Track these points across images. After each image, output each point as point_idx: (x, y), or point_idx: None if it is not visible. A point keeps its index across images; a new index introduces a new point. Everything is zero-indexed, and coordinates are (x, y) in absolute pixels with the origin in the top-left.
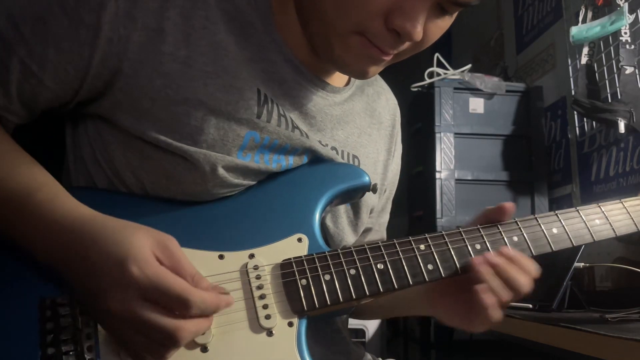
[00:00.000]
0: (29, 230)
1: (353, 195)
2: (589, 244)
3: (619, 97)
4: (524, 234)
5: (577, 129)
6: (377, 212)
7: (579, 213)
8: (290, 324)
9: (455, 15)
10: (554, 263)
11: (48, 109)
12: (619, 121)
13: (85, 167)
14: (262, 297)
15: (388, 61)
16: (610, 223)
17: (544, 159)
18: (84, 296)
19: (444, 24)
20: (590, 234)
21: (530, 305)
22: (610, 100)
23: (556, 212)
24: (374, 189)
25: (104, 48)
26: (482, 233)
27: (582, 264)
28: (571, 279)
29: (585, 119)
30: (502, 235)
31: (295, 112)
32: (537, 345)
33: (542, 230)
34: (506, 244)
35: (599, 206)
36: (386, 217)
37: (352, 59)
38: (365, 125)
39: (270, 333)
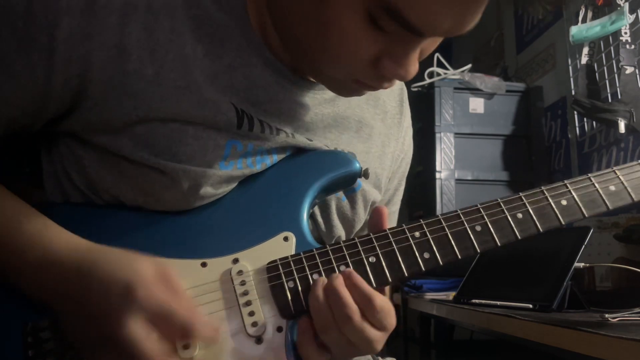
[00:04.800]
0: (19, 264)
1: (343, 184)
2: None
3: (619, 97)
4: (530, 209)
5: (577, 129)
6: (383, 203)
7: (591, 180)
8: (280, 329)
9: None
10: (554, 263)
11: (10, 134)
12: (619, 121)
13: (60, 184)
14: (247, 303)
15: None
16: (626, 188)
17: (544, 159)
18: (76, 327)
19: (438, 41)
20: (605, 202)
21: (530, 305)
22: (610, 100)
23: (565, 181)
24: (365, 175)
25: (63, 70)
26: (483, 213)
27: (582, 264)
28: (571, 279)
29: (585, 119)
30: (505, 213)
31: (281, 117)
32: (537, 345)
33: (550, 203)
34: (510, 223)
35: (614, 170)
36: (395, 208)
37: (342, 92)
38: (368, 118)
39: (259, 340)
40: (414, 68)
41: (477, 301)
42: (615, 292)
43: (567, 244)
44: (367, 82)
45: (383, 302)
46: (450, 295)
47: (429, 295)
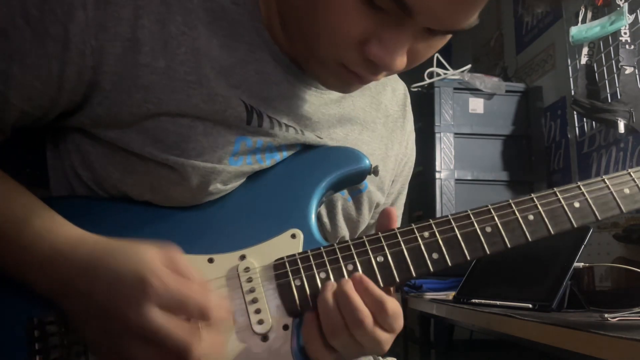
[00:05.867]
0: (27, 259)
1: (352, 181)
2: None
3: (619, 97)
4: (541, 211)
5: (576, 129)
6: (387, 206)
7: (605, 182)
8: (286, 327)
9: (449, 35)
10: (553, 263)
11: (21, 127)
12: (618, 121)
13: (67, 180)
14: (254, 301)
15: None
16: None
17: (543, 159)
18: (87, 323)
19: (436, 43)
20: (619, 205)
21: (530, 305)
22: (610, 100)
23: (579, 183)
24: (375, 172)
25: (77, 61)
26: (494, 214)
27: (582, 264)
28: (571, 279)
29: (585, 119)
30: (516, 214)
31: (290, 114)
32: (537, 345)
33: (562, 205)
34: (521, 224)
35: (629, 173)
36: (398, 212)
37: (331, 81)
38: (370, 121)
39: (265, 338)
40: (400, 59)
41: (476, 301)
42: (614, 292)
43: (567, 244)
44: (353, 68)
45: (395, 306)
46: (450, 295)
47: (429, 295)
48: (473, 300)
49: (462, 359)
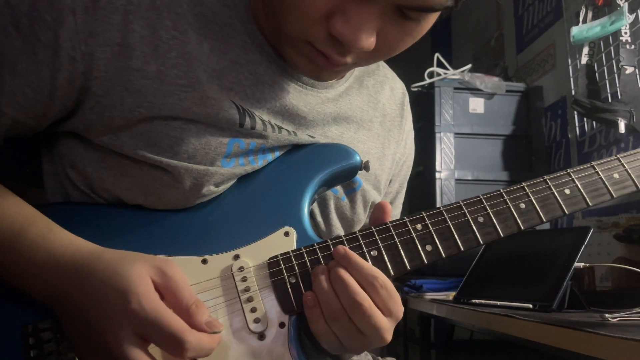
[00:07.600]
0: (23, 267)
1: (344, 177)
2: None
3: (619, 97)
4: (532, 199)
5: (577, 129)
6: None
7: (595, 168)
8: (282, 325)
9: (428, 21)
10: (554, 263)
11: (14, 136)
12: (619, 121)
13: (60, 184)
14: (249, 299)
15: (345, 67)
16: (631, 175)
17: (544, 159)
18: (76, 331)
19: (410, 29)
20: (609, 190)
21: (530, 305)
22: (610, 100)
23: (568, 170)
24: (366, 167)
25: (68, 67)
26: (486, 204)
27: (582, 264)
28: (571, 279)
29: (585, 119)
30: (507, 203)
31: (284, 115)
32: (537, 345)
33: (553, 192)
34: (513, 213)
35: (618, 158)
36: (397, 211)
37: (301, 63)
38: (366, 120)
39: (261, 336)
40: (366, 37)
41: (477, 301)
42: (615, 292)
43: (567, 244)
44: (319, 47)
45: (388, 281)
46: (450, 295)
47: (429, 295)
48: (473, 301)
49: (462, 359)
